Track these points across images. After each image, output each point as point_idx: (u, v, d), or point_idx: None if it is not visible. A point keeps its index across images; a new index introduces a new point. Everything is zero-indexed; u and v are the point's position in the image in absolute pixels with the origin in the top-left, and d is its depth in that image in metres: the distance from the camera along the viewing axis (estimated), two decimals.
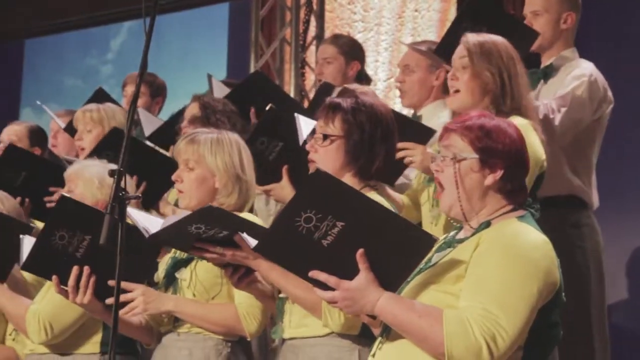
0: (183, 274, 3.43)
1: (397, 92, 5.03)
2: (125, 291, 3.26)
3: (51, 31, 9.90)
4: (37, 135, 5.60)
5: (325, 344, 3.16)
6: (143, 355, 4.27)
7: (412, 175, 4.08)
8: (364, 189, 3.16)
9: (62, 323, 3.59)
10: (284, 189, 4.03)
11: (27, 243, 3.42)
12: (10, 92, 9.97)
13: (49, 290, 3.65)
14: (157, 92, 6.06)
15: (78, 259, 3.28)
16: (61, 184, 4.57)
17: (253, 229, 3.10)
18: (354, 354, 3.15)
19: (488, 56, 3.59)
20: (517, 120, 3.30)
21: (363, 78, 5.44)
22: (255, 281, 3.26)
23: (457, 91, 3.64)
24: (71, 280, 3.30)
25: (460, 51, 3.67)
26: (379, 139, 3.19)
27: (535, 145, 3.49)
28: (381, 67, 7.37)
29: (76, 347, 3.66)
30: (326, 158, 3.20)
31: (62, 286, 3.31)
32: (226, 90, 5.00)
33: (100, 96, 5.43)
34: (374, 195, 3.13)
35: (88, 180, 3.73)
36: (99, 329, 3.65)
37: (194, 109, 4.53)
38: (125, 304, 3.28)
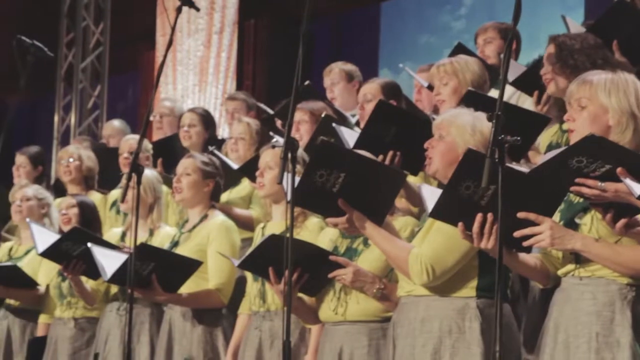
0: (584, 219, 3.40)
1: None
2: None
3: None
4: (391, 90, 5.71)
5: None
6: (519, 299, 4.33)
7: None
8: None
9: (443, 266, 3.68)
10: None
11: (426, 192, 3.64)
12: (369, 54, 10.32)
13: (426, 233, 3.77)
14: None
15: (482, 207, 3.37)
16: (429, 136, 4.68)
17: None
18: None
19: None
20: None
21: None
22: (636, 225, 3.18)
23: None
24: (475, 227, 3.37)
25: None
26: None
27: None
28: None
29: (454, 290, 3.73)
30: None
31: (467, 232, 3.41)
32: (583, 30, 4.86)
33: (460, 51, 5.47)
34: None
35: (460, 127, 3.79)
36: (476, 274, 3.73)
37: (550, 52, 4.41)
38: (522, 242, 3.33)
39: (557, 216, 3.43)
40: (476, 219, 3.37)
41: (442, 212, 3.45)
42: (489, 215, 3.36)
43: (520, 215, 3.25)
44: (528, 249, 3.40)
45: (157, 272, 4.88)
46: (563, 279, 3.48)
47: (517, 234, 3.25)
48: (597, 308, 3.35)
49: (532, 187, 3.24)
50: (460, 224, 3.40)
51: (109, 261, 4.99)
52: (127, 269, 4.40)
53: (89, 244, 5.15)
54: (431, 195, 3.54)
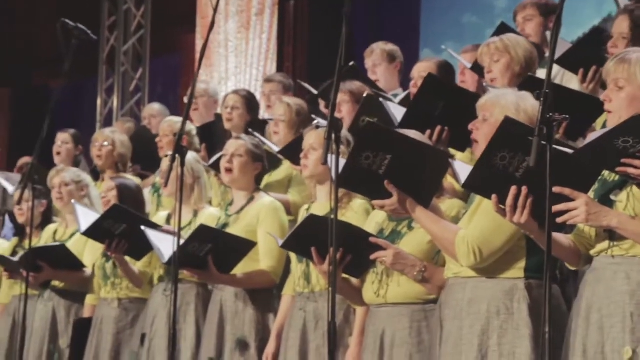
0: (619, 196, 3.34)
1: None
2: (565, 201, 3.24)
3: None
4: (445, 70, 5.69)
5: None
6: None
7: None
8: None
9: (490, 247, 3.65)
10: None
11: (459, 168, 3.62)
12: (410, 35, 10.25)
13: (473, 215, 3.75)
14: (549, 13, 5.93)
15: (517, 179, 3.30)
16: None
17: None
18: None
19: None
20: None
21: None
22: None
23: None
24: (509, 200, 3.31)
25: None
26: None
27: None
28: None
29: (501, 271, 3.70)
30: None
31: (500, 205, 3.35)
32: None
33: (503, 31, 5.40)
34: None
35: (504, 107, 3.74)
36: (524, 255, 3.69)
37: (622, 26, 4.33)
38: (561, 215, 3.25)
39: (590, 193, 3.35)
40: (510, 191, 3.29)
41: (476, 182, 3.38)
42: (524, 189, 3.28)
43: (556, 190, 3.15)
44: (562, 226, 3.33)
45: (213, 254, 4.90)
46: (595, 258, 3.41)
47: (552, 209, 3.16)
48: (631, 287, 3.28)
49: (571, 164, 3.18)
50: (493, 196, 3.33)
51: (165, 244, 5.02)
52: (180, 250, 4.44)
53: (143, 228, 5.20)
54: (464, 171, 3.49)
